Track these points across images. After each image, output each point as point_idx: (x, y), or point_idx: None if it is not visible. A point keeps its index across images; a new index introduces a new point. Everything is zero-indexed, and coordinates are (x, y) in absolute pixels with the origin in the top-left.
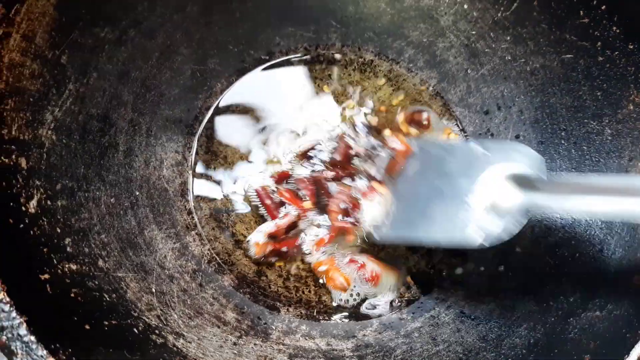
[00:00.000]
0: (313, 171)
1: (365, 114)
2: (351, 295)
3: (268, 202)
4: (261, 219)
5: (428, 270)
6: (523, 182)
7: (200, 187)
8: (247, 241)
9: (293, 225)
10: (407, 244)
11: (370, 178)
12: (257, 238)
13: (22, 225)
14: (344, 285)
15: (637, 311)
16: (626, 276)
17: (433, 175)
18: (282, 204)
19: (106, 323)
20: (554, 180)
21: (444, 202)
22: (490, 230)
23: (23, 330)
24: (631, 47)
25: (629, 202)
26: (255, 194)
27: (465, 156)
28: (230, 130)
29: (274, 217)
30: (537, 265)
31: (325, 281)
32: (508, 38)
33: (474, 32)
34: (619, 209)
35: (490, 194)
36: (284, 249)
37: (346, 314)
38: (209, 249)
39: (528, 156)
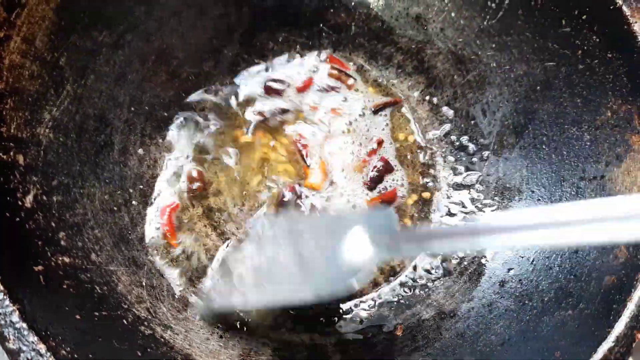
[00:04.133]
0: None
1: None
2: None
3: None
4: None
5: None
6: (376, 240)
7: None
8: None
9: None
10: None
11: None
12: None
13: (18, 219)
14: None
15: (607, 311)
16: (599, 276)
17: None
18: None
19: (96, 314)
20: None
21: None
22: (348, 284)
23: (15, 318)
24: (610, 55)
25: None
26: None
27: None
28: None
29: None
30: (515, 265)
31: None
32: (493, 46)
33: (460, 40)
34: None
35: (352, 252)
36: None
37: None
38: (199, 245)
39: (382, 218)
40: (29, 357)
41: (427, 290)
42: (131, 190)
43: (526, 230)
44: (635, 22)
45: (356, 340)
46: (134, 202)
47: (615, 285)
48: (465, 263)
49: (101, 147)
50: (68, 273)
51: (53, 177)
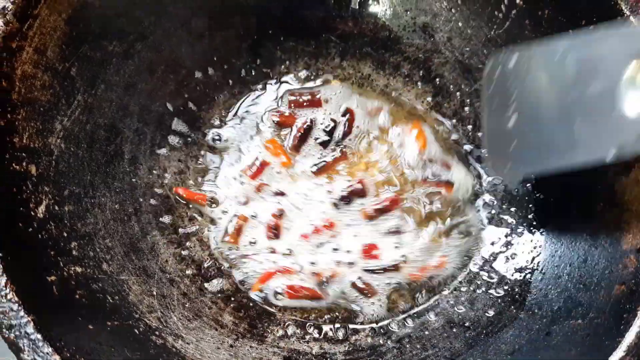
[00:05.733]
0: None
1: None
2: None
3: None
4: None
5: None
6: None
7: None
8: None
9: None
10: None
11: None
12: None
13: (30, 229)
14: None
15: (617, 320)
16: (609, 285)
17: (560, 90)
18: None
19: (109, 324)
20: None
21: (585, 117)
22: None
23: (30, 329)
24: None
25: None
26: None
27: (595, 54)
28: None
29: None
30: (525, 274)
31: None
32: None
33: (467, 49)
34: None
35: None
36: None
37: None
38: (208, 254)
39: None
40: None
41: (436, 299)
42: (141, 200)
43: None
44: None
45: (366, 349)
46: (143, 212)
47: (625, 295)
48: (474, 272)
49: (112, 157)
50: (80, 283)
51: (64, 187)
